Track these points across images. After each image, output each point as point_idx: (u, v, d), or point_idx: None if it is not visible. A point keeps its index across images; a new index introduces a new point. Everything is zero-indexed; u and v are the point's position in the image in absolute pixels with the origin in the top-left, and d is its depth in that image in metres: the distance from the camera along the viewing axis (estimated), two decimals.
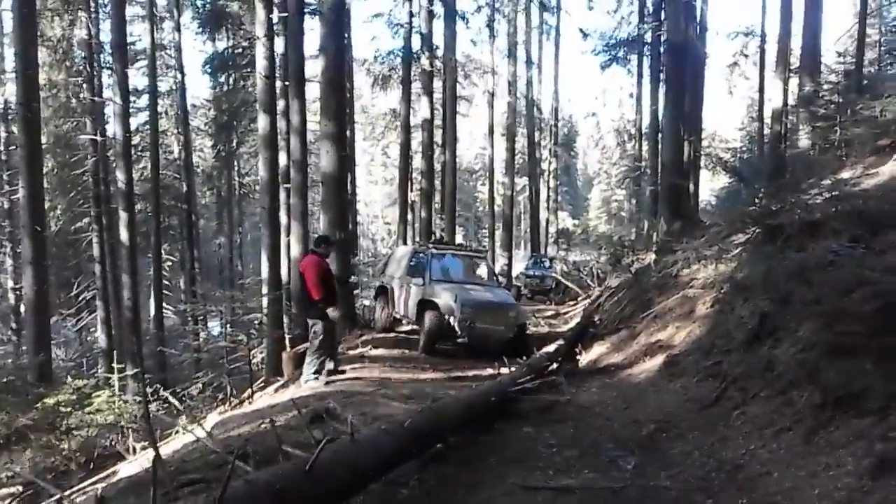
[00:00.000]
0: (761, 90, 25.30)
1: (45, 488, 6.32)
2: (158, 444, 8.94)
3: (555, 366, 9.58)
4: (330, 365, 8.77)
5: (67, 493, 5.73)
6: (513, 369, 8.29)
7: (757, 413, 5.38)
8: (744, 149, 29.97)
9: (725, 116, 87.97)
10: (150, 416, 11.55)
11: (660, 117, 21.23)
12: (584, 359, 10.35)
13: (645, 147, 28.24)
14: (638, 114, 30.86)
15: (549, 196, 41.11)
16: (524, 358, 9.27)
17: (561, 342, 10.74)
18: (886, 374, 4.37)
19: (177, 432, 9.03)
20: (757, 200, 9.39)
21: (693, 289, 9.47)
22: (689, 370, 7.12)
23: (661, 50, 21.75)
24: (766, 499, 4.18)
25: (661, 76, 21.51)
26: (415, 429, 4.82)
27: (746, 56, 29.23)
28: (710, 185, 29.47)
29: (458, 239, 58.35)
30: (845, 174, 9.66)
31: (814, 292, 5.11)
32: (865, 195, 7.44)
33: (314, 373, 8.57)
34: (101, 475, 7.69)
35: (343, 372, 9.17)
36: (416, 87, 28.27)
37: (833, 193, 7.34)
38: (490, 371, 9.52)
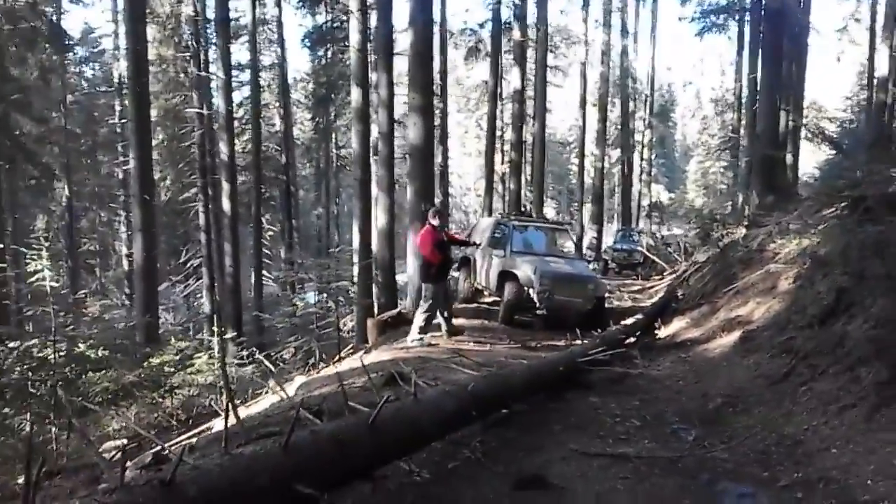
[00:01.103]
0: (871, 57, 23.85)
1: (149, 439, 6.99)
2: (249, 403, 9.63)
3: (632, 339, 9.64)
4: (441, 322, 9.61)
5: (167, 444, 6.30)
6: (586, 341, 8.39)
7: (824, 389, 5.35)
8: (851, 119, 28.31)
9: (833, 85, 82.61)
10: (248, 377, 12.35)
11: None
12: (663, 333, 10.32)
13: (744, 117, 27.19)
14: (738, 82, 29.67)
15: (642, 168, 40.18)
16: (599, 330, 9.35)
17: (640, 316, 10.74)
18: None
19: (266, 392, 9.64)
20: (858, 173, 9.06)
21: (776, 264, 9.25)
22: (764, 346, 7.05)
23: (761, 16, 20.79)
24: (821, 473, 4.21)
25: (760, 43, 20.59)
26: (478, 393, 5.06)
27: (858, 20, 27.55)
28: (816, 158, 28.10)
29: (550, 211, 58.02)
30: None
31: (887, 267, 5.00)
32: None
33: (420, 331, 9.34)
34: (198, 430, 8.33)
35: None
36: (509, 58, 28.18)
37: None
38: (565, 343, 9.65)
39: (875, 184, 8.19)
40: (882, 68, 19.55)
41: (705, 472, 4.51)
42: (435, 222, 9.42)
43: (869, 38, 24.73)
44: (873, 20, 24.28)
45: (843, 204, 8.04)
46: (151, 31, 21.51)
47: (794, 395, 5.59)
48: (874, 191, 6.82)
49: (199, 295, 24.68)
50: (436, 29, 27.03)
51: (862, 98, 32.44)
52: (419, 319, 9.41)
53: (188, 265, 25.65)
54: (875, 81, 19.69)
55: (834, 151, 17.29)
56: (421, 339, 9.31)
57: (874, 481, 3.89)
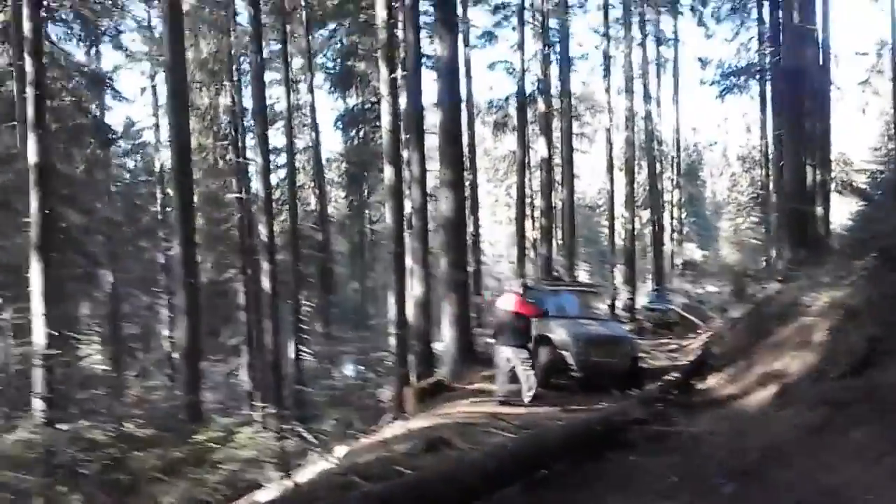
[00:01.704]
0: (895, 107, 24.00)
1: None
2: (292, 473, 9.80)
3: (670, 398, 9.68)
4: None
5: None
6: (622, 402, 8.49)
7: (861, 439, 5.41)
8: (879, 170, 28.29)
9: (861, 138, 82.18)
10: (286, 450, 12.50)
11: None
12: (701, 390, 10.33)
13: (772, 173, 27.32)
14: (763, 139, 29.91)
15: (673, 227, 40.24)
16: (636, 390, 9.43)
17: (676, 374, 10.77)
18: None
19: (308, 462, 9.80)
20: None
21: (810, 317, 9.31)
22: (800, 398, 7.10)
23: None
24: None
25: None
26: (517, 453, 5.26)
27: (882, 72, 27.82)
28: (848, 210, 27.86)
29: (583, 274, 57.86)
30: None
31: None
32: None
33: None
34: (241, 501, 8.50)
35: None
36: (535, 128, 28.94)
37: None
38: (603, 404, 9.72)
39: None
40: None
41: None
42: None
43: (892, 89, 24.93)
44: (895, 71, 24.52)
45: (872, 255, 8.16)
46: (192, 122, 22.63)
47: (832, 446, 5.65)
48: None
49: (237, 373, 25.03)
50: (463, 106, 28.06)
51: (890, 148, 32.43)
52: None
53: (228, 344, 26.11)
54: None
55: (863, 202, 17.33)
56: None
57: None
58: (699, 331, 21.27)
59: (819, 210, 20.70)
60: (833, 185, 20.43)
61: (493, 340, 10.77)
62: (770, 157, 28.10)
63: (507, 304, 10.37)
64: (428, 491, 4.03)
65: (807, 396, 7.00)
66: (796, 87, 15.61)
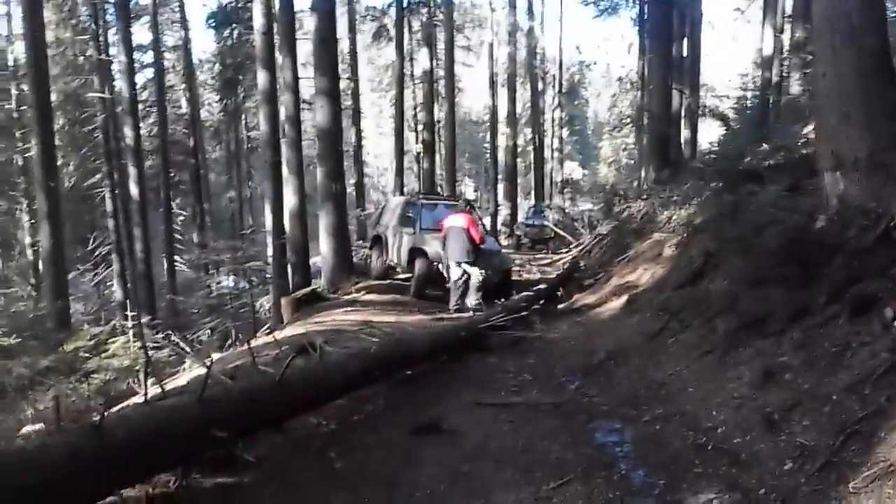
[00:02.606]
0: (763, 37, 25.29)
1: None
2: (166, 381, 9.77)
3: (535, 307, 10.28)
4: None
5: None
6: (489, 310, 8.96)
7: (688, 340, 6.07)
8: (744, 96, 30.03)
9: (733, 64, 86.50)
10: (164, 359, 12.38)
11: None
12: (564, 301, 11.02)
13: (646, 96, 28.37)
14: (641, 60, 30.86)
15: (553, 146, 41.32)
16: (503, 300, 9.95)
17: (542, 286, 11.40)
18: (787, 300, 5.00)
19: (183, 371, 9.81)
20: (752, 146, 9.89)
21: (663, 233, 10.06)
22: (645, 306, 7.78)
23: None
24: (678, 408, 4.88)
25: None
26: (381, 355, 5.53)
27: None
28: (717, 133, 29.52)
29: (468, 190, 58.67)
30: None
31: (738, 231, 5.71)
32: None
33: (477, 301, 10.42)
34: (118, 408, 8.45)
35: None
36: (419, 38, 28.48)
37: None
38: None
39: (749, 157, 9.07)
40: (766, 47, 20.91)
41: (583, 414, 5.13)
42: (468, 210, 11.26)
43: (761, 18, 26.18)
44: (765, 2, 25.73)
45: (715, 177, 8.85)
46: (47, 13, 20.70)
47: (665, 347, 6.30)
48: (738, 165, 7.59)
49: (109, 283, 24.13)
50: (344, 9, 27.16)
51: (756, 76, 34.33)
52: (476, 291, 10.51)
53: (96, 253, 24.99)
54: (762, 59, 21.02)
55: (725, 128, 18.48)
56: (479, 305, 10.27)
57: (718, 411, 4.57)
58: (572, 246, 22.34)
59: (687, 133, 21.93)
60: (700, 110, 21.60)
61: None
62: (645, 79, 29.13)
63: (458, 222, 10.65)
64: (289, 387, 4.22)
65: (650, 305, 7.68)
66: (666, 12, 16.18)
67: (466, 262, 10.44)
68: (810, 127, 8.51)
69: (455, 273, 10.60)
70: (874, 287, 4.46)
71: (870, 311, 4.35)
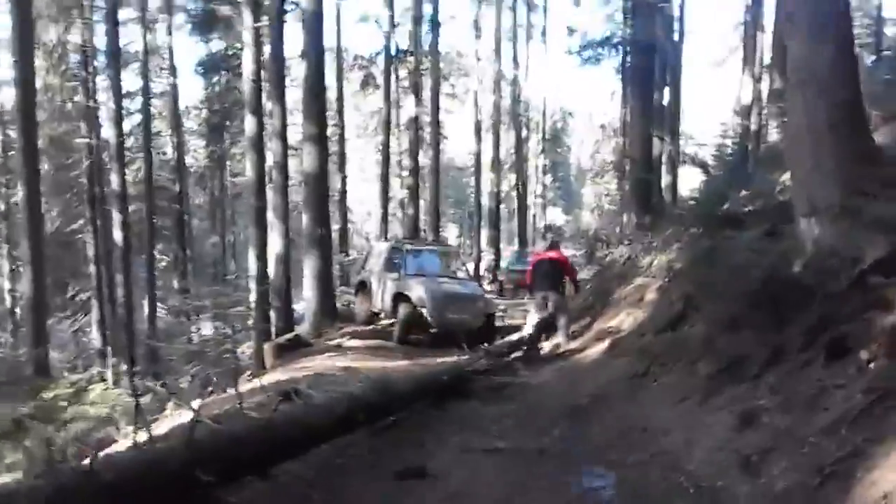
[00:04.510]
0: (742, 86, 25.97)
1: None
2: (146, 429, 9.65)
3: (518, 353, 10.32)
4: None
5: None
6: (472, 355, 8.99)
7: (670, 383, 6.13)
8: (724, 144, 30.69)
9: (715, 113, 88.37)
10: (140, 405, 12.19)
11: None
12: (547, 345, 11.06)
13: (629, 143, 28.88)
14: (623, 108, 31.50)
15: (536, 193, 41.77)
16: (486, 345, 9.99)
17: (525, 331, 11.44)
18: (764, 343, 5.09)
19: (165, 417, 9.70)
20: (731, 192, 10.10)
21: (644, 278, 10.19)
22: (628, 350, 7.86)
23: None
24: (659, 451, 4.92)
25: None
26: (365, 400, 5.54)
27: (737, 49, 29.85)
28: (698, 180, 29.99)
29: (451, 235, 58.87)
30: None
31: (715, 276, 5.83)
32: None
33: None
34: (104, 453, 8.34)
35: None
36: (406, 85, 28.96)
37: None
38: (454, 357, 10.22)
39: (728, 203, 9.26)
40: (745, 97, 21.51)
41: (566, 458, 5.15)
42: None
43: (741, 67, 26.92)
44: (745, 53, 26.48)
45: (694, 222, 9.03)
46: (37, 60, 20.91)
47: (647, 391, 6.36)
48: (717, 210, 7.76)
49: (87, 330, 23.88)
50: (332, 57, 27.62)
51: (735, 124, 35.11)
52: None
53: (76, 299, 24.78)
54: (740, 108, 21.55)
55: (705, 174, 18.86)
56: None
57: (699, 454, 4.61)
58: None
59: (668, 179, 22.30)
60: (680, 157, 22.03)
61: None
62: (627, 126, 29.70)
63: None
64: (275, 432, 4.23)
65: (633, 349, 7.75)
66: (647, 62, 16.66)
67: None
68: (787, 174, 8.72)
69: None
70: (849, 330, 4.55)
71: (845, 355, 4.43)
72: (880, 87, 10.72)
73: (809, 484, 3.56)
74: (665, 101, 21.29)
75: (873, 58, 19.72)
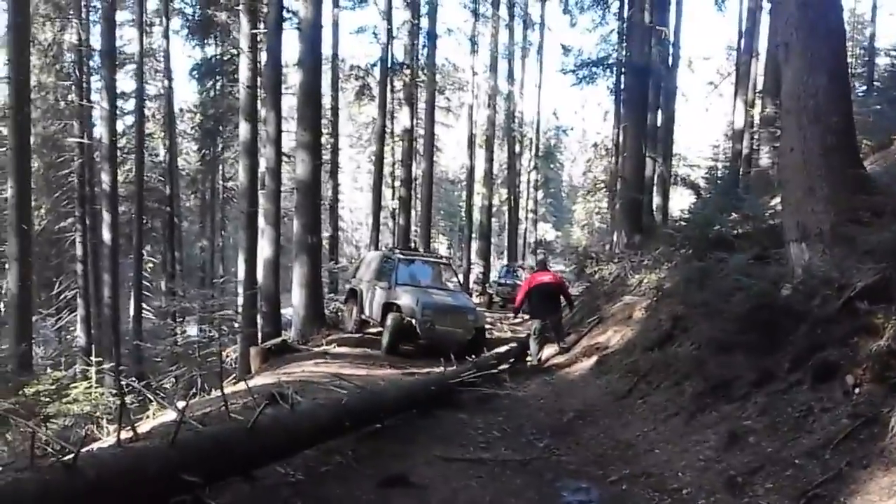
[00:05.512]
0: (734, 110, 26.24)
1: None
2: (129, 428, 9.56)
3: (505, 365, 10.32)
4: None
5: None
6: (460, 366, 8.97)
7: (656, 402, 6.15)
8: (715, 166, 30.96)
9: (706, 134, 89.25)
10: (125, 404, 12.10)
11: None
12: (546, 353, 11.06)
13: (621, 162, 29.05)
14: (616, 128, 31.71)
15: (527, 208, 41.90)
16: (474, 357, 9.97)
17: (514, 345, 11.45)
18: (752, 365, 5.13)
19: (148, 417, 9.62)
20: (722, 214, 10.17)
21: (632, 296, 10.23)
22: (615, 368, 7.89)
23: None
24: (644, 469, 4.93)
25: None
26: (351, 407, 5.51)
27: (730, 74, 30.18)
28: (688, 201, 30.17)
29: (442, 247, 58.89)
30: None
31: (704, 296, 5.87)
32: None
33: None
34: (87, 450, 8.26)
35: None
36: (401, 97, 29.06)
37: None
38: (442, 368, 10.19)
39: (719, 225, 9.30)
40: (738, 121, 21.74)
41: (550, 472, 5.16)
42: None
43: (733, 93, 27.22)
44: (737, 77, 26.76)
45: (684, 244, 9.08)
46: (32, 58, 20.84)
47: (633, 408, 6.38)
48: (708, 232, 7.81)
49: (71, 328, 23.70)
50: (328, 66, 27.67)
51: (727, 147, 35.44)
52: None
53: (61, 297, 24.58)
54: (732, 132, 21.81)
55: (695, 195, 18.98)
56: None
57: (683, 473, 4.63)
58: None
59: (659, 199, 22.44)
60: (672, 178, 22.18)
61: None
62: (620, 146, 29.90)
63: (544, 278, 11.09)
64: (260, 434, 4.20)
65: (620, 366, 7.78)
66: (641, 84, 16.77)
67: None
68: (778, 199, 8.79)
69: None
70: (836, 355, 4.58)
71: (832, 379, 4.47)
72: (871, 117, 10.88)
73: None
74: (658, 123, 21.50)
75: (864, 88, 20.01)
